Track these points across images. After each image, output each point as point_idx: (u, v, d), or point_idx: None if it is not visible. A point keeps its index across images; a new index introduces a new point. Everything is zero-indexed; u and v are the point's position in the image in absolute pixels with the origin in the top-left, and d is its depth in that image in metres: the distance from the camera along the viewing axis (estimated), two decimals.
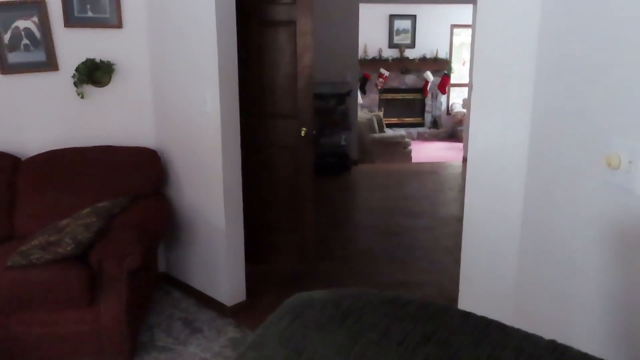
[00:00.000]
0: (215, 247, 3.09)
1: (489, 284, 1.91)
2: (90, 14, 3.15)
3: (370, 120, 8.68)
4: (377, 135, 8.65)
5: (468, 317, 0.78)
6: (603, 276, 1.28)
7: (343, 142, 7.06)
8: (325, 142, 6.88)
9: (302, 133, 3.42)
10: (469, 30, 8.68)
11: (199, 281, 3.26)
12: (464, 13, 9.55)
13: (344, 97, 7.04)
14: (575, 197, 1.40)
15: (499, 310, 1.85)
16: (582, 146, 1.36)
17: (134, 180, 3.04)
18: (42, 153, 3.06)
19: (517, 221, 1.74)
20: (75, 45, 3.13)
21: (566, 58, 1.45)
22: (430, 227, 4.80)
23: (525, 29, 1.63)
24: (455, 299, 2.13)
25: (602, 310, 1.29)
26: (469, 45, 8.79)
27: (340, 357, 0.77)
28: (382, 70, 10.85)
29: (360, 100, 9.35)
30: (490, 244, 1.88)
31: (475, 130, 1.87)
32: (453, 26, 11.01)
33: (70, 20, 3.11)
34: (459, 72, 11.35)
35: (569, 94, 1.44)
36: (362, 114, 8.57)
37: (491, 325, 0.75)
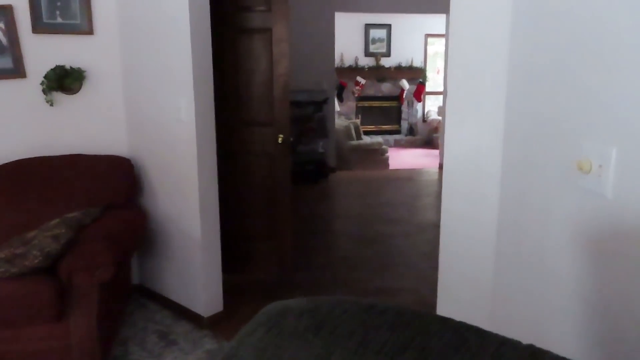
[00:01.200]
0: (191, 257, 3.04)
1: (466, 289, 1.91)
2: (59, 19, 3.09)
3: (347, 128, 8.71)
4: (355, 142, 8.69)
5: (446, 322, 0.76)
6: (576, 279, 1.28)
7: (321, 150, 7.06)
8: (303, 150, 6.88)
9: (279, 140, 3.40)
10: (443, 40, 8.80)
11: (175, 292, 3.20)
12: (437, 23, 9.69)
13: (321, 105, 7.05)
14: (548, 202, 1.41)
15: (476, 314, 1.85)
16: (554, 151, 1.37)
17: (106, 190, 2.97)
18: (9, 162, 2.96)
19: (493, 226, 1.75)
20: (44, 52, 3.06)
21: (537, 64, 1.47)
22: (408, 233, 4.81)
23: (497, 35, 1.65)
24: (433, 305, 2.13)
25: (575, 314, 1.29)
26: (443, 54, 8.92)
27: None
28: (359, 79, 10.93)
29: (337, 107, 9.39)
30: (467, 249, 1.88)
31: (450, 136, 1.88)
32: (427, 35, 11.17)
33: (39, 26, 3.04)
34: (434, 81, 11.50)
35: (541, 99, 1.45)
36: (339, 122, 8.60)
37: (470, 331, 0.74)
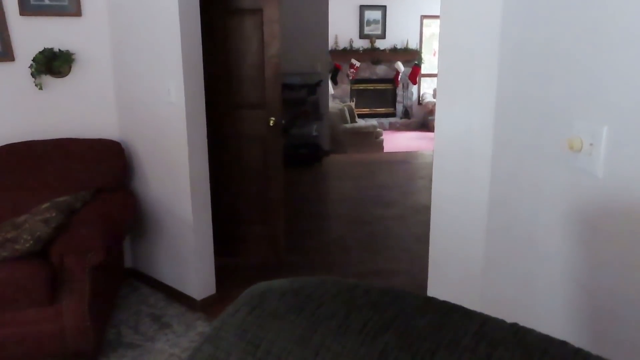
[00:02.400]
0: (183, 240, 3.03)
1: (456, 269, 1.91)
2: (47, 1, 3.03)
3: (341, 111, 8.66)
4: (349, 125, 8.65)
5: (429, 302, 0.76)
6: (566, 259, 1.28)
7: (314, 133, 7.03)
8: (297, 133, 6.84)
9: (271, 123, 3.37)
10: (439, 21, 8.72)
11: (168, 275, 3.20)
12: (433, 4, 9.59)
13: (314, 88, 7.00)
14: (539, 181, 1.40)
15: (467, 294, 1.86)
16: (545, 130, 1.36)
17: (96, 174, 2.95)
18: None
19: (484, 206, 1.74)
20: (31, 34, 3.01)
21: (529, 42, 1.45)
22: (402, 215, 4.82)
23: (488, 14, 1.62)
24: (426, 287, 2.13)
25: (565, 293, 1.29)
26: (439, 36, 8.84)
27: (299, 347, 0.74)
28: (353, 61, 10.84)
29: (331, 90, 9.32)
30: (458, 229, 1.88)
31: (441, 116, 1.86)
32: (423, 17, 11.06)
33: (26, 8, 2.98)
34: (430, 63, 11.42)
35: (532, 78, 1.43)
36: (333, 105, 8.55)
37: (453, 310, 0.73)
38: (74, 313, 2.37)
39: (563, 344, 0.65)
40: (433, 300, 0.76)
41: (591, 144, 1.15)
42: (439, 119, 1.88)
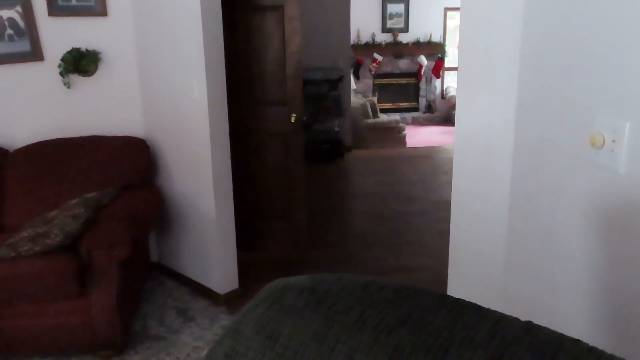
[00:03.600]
0: (207, 235, 3.08)
1: (477, 266, 1.91)
2: (74, 2, 3.11)
3: (364, 106, 8.64)
4: (371, 120, 8.62)
5: (444, 299, 0.77)
6: (588, 257, 1.27)
7: (336, 128, 7.02)
8: (319, 129, 6.85)
9: (292, 119, 3.39)
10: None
11: (192, 270, 3.26)
12: None
13: (336, 83, 6.99)
14: (560, 178, 1.39)
15: (487, 291, 1.85)
16: (566, 126, 1.35)
17: (123, 170, 3.01)
18: (30, 145, 3.02)
19: (505, 203, 1.73)
20: (60, 35, 3.08)
21: (550, 37, 1.43)
22: (424, 211, 4.80)
23: (509, 9, 1.61)
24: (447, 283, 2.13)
25: (586, 292, 1.28)
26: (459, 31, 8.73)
27: (316, 343, 0.76)
28: (376, 55, 10.78)
29: (353, 85, 9.30)
30: (478, 226, 1.87)
31: (461, 112, 1.86)
32: (447, 9, 10.92)
33: (55, 9, 3.06)
34: (454, 56, 11.27)
35: (554, 74, 1.42)
36: (355, 100, 8.53)
37: (466, 308, 0.74)
38: (102, 306, 2.44)
39: (576, 342, 0.66)
40: (447, 297, 0.77)
41: (613, 141, 1.14)
42: (460, 115, 1.87)
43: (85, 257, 2.43)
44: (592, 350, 0.65)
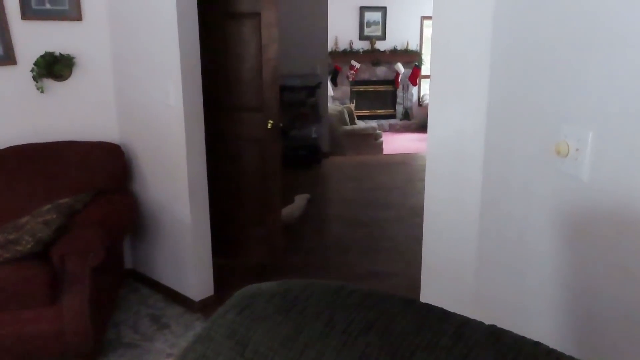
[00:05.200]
0: (182, 242, 3.06)
1: (449, 270, 1.94)
2: (48, 6, 3.07)
3: (341, 113, 8.69)
4: (349, 127, 8.67)
5: (411, 304, 0.78)
6: (554, 261, 1.31)
7: (314, 135, 7.05)
8: (296, 135, 6.87)
9: (269, 126, 3.40)
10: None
11: (167, 277, 3.23)
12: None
13: (314, 90, 7.02)
14: (529, 184, 1.43)
15: (459, 294, 1.88)
16: (534, 134, 1.39)
17: (96, 176, 2.98)
18: (1, 149, 2.97)
19: (476, 208, 1.77)
20: (33, 39, 3.04)
21: (519, 47, 1.47)
22: (400, 217, 4.84)
23: (479, 18, 1.65)
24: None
25: (553, 294, 1.32)
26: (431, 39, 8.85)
27: (285, 348, 0.77)
28: (353, 62, 10.86)
29: (331, 92, 9.35)
30: (450, 231, 1.90)
31: (433, 119, 1.89)
32: (423, 18, 11.07)
33: (28, 13, 3.02)
34: (430, 64, 11.43)
35: (522, 83, 1.46)
36: (333, 106, 8.58)
37: (432, 312, 0.76)
38: (75, 313, 2.40)
39: (536, 344, 0.68)
40: (414, 302, 0.79)
41: (577, 149, 1.17)
42: (432, 122, 1.91)
43: (57, 264, 2.39)
44: (551, 352, 0.67)
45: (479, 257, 1.78)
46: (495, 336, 0.71)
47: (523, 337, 0.70)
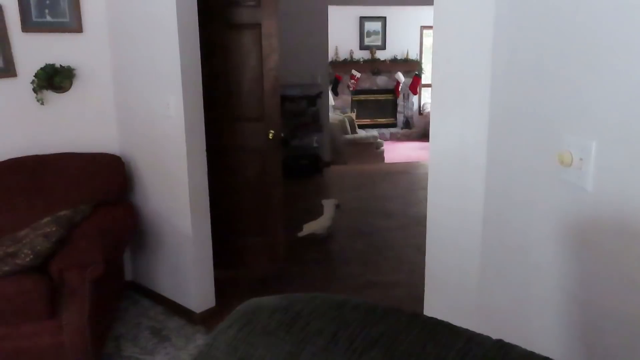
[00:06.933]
0: (183, 253, 3.04)
1: (452, 280, 1.92)
2: (48, 18, 3.08)
3: (342, 122, 8.70)
4: (350, 136, 8.67)
5: (415, 319, 0.77)
6: (558, 272, 1.29)
7: (315, 144, 7.05)
8: (297, 145, 6.87)
9: (270, 136, 3.40)
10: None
11: (167, 289, 3.21)
12: (433, 14, 9.64)
13: (314, 99, 7.03)
14: (531, 194, 1.42)
15: (462, 305, 1.86)
16: (536, 144, 1.38)
17: (97, 188, 2.97)
18: (1, 161, 2.96)
19: (479, 218, 1.75)
20: (33, 51, 3.04)
21: (520, 58, 1.47)
22: (402, 226, 4.82)
23: (480, 29, 1.64)
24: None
25: (557, 305, 1.30)
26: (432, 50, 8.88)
27: None
28: (354, 72, 10.90)
29: (332, 102, 9.37)
30: (453, 241, 1.89)
31: (435, 130, 1.88)
32: (423, 27, 11.12)
33: (28, 25, 3.02)
34: (430, 73, 11.46)
35: (524, 93, 1.45)
36: (334, 116, 8.59)
37: (439, 327, 0.74)
38: (74, 327, 2.38)
39: None
40: (419, 316, 0.77)
41: (581, 159, 1.16)
42: (433, 132, 1.90)
43: (57, 277, 2.38)
44: None
45: (482, 267, 1.77)
46: (503, 351, 0.69)
47: (532, 353, 0.69)
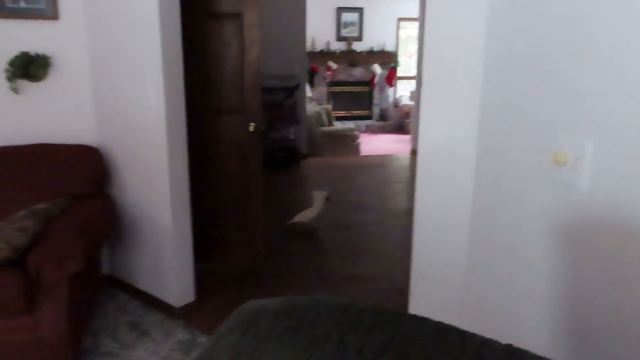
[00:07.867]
0: (162, 246, 2.99)
1: (439, 275, 1.94)
2: (23, 4, 2.96)
3: (319, 114, 8.67)
4: (326, 128, 8.65)
5: (424, 323, 0.77)
6: (549, 270, 1.31)
7: (292, 136, 7.02)
8: (274, 136, 6.82)
9: (251, 128, 3.36)
10: (416, 24, 8.82)
11: (146, 282, 3.15)
12: (410, 7, 9.68)
13: (292, 91, 6.99)
14: (522, 192, 1.43)
15: (448, 301, 1.88)
16: (528, 142, 1.39)
17: (74, 180, 2.89)
18: None
19: (467, 214, 1.77)
20: (7, 38, 2.93)
21: (513, 54, 1.47)
22: (379, 220, 4.85)
23: (473, 25, 1.65)
24: (405, 291, 2.15)
25: (546, 303, 1.32)
26: (415, 38, 8.93)
27: None
28: (330, 63, 10.86)
29: (309, 93, 9.32)
30: (441, 237, 1.90)
31: (425, 125, 1.88)
32: (400, 19, 11.14)
33: (2, 11, 2.91)
34: (406, 65, 11.52)
35: (517, 90, 1.46)
36: (311, 107, 8.55)
37: (449, 332, 0.74)
38: (51, 322, 2.32)
39: None
40: (428, 321, 0.77)
41: (576, 159, 1.17)
42: (423, 127, 1.90)
43: (33, 271, 2.31)
44: None
45: (469, 263, 1.78)
46: (516, 357, 0.69)
47: (542, 357, 0.69)
